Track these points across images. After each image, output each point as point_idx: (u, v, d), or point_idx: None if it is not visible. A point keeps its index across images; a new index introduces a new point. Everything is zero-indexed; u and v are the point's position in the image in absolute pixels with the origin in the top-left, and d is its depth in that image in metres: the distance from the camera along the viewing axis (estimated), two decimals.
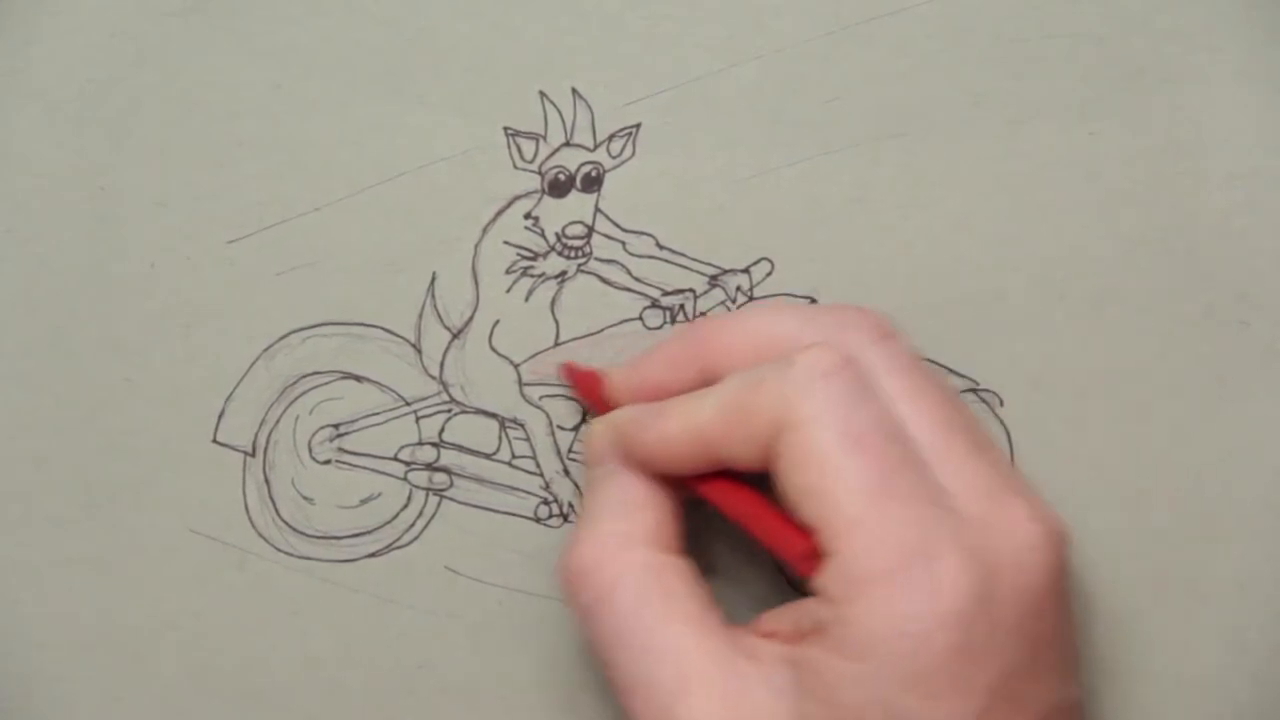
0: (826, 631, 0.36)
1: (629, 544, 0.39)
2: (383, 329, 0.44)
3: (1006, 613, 0.36)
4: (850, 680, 0.35)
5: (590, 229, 0.44)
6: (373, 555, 0.45)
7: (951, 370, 0.44)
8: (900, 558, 0.35)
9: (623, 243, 0.44)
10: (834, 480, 0.36)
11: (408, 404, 0.45)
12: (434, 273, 0.44)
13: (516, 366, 0.45)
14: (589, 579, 0.39)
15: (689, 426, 0.39)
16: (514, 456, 0.45)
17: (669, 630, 0.38)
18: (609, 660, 0.39)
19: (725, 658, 0.37)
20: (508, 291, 0.44)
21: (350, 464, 0.45)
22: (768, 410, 0.37)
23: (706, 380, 0.40)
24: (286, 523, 0.45)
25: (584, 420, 0.45)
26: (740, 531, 0.40)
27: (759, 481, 0.39)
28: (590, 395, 0.43)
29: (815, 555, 0.37)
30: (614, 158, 0.44)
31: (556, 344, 0.44)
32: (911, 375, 0.39)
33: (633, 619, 0.38)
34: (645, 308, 0.44)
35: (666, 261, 0.44)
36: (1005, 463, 0.39)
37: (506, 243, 0.44)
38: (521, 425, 0.45)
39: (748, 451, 0.38)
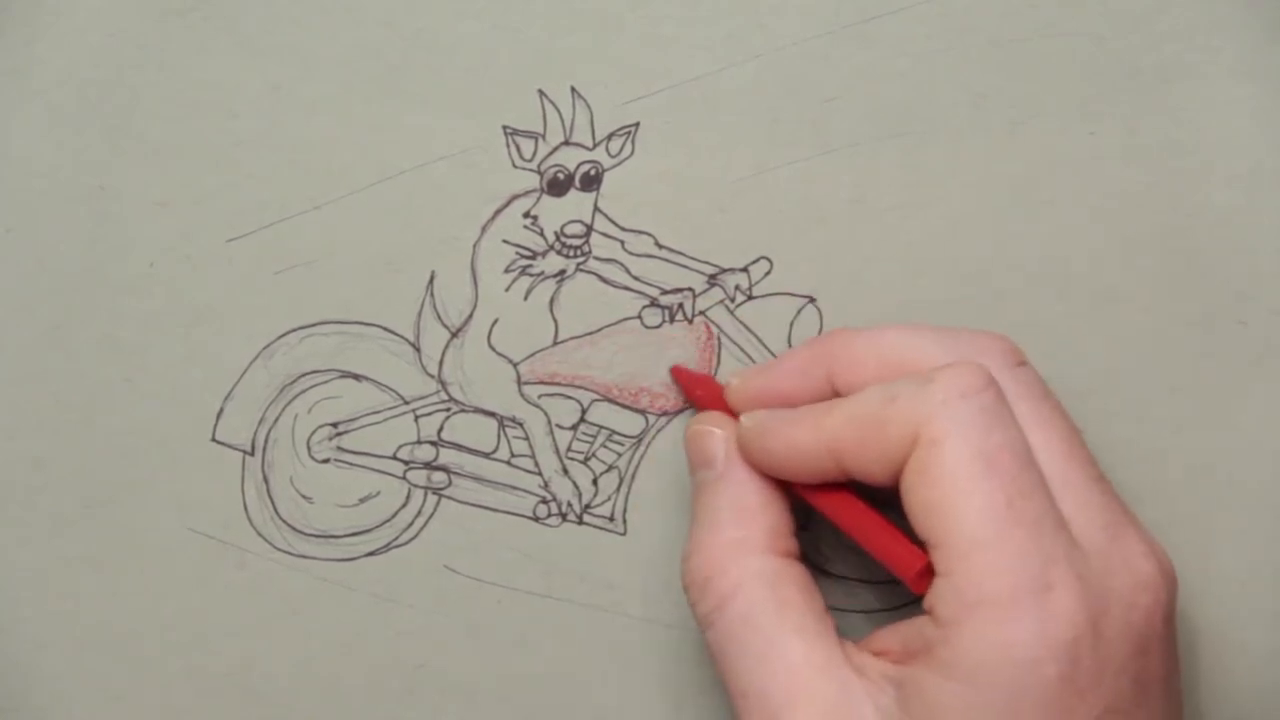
0: (934, 653, 0.36)
1: (746, 551, 0.39)
2: (381, 328, 0.44)
3: (1115, 649, 0.36)
4: (953, 704, 0.35)
5: (589, 228, 0.44)
6: (371, 554, 0.45)
7: None
8: (1016, 583, 0.35)
9: (621, 241, 0.44)
10: (962, 499, 0.36)
11: (406, 403, 0.45)
12: (433, 271, 0.44)
13: (515, 365, 0.45)
14: (709, 587, 0.39)
15: (821, 435, 0.38)
16: (513, 455, 0.45)
17: (782, 641, 0.38)
18: (725, 666, 0.39)
19: (834, 673, 0.37)
20: (506, 290, 0.44)
21: (349, 463, 0.45)
22: (903, 424, 0.37)
23: (833, 392, 0.40)
24: (285, 521, 0.45)
25: (582, 419, 0.45)
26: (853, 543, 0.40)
27: (872, 497, 0.39)
28: (705, 400, 0.43)
29: (929, 574, 0.37)
30: (613, 157, 0.44)
31: (555, 343, 0.44)
32: (1041, 403, 0.39)
33: (749, 628, 0.38)
34: (644, 306, 0.44)
35: (665, 260, 0.44)
36: (1120, 499, 0.39)
37: (505, 241, 0.44)
38: (520, 424, 0.45)
39: (877, 465, 0.38)
